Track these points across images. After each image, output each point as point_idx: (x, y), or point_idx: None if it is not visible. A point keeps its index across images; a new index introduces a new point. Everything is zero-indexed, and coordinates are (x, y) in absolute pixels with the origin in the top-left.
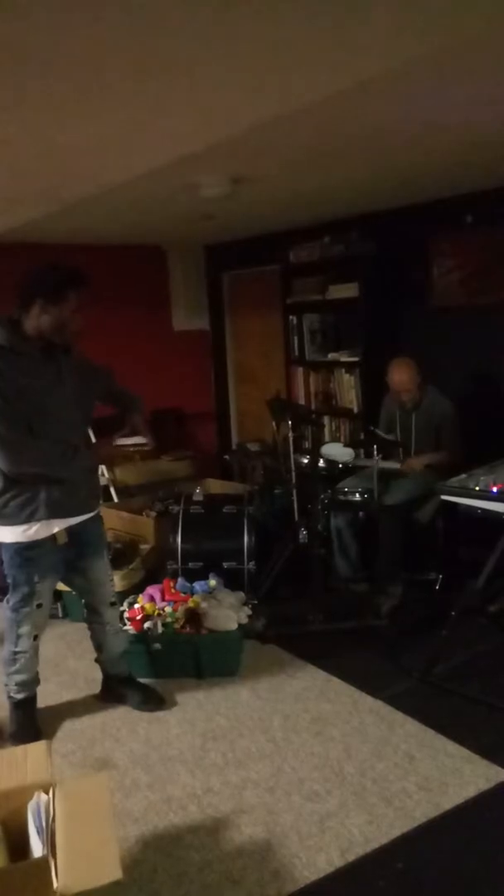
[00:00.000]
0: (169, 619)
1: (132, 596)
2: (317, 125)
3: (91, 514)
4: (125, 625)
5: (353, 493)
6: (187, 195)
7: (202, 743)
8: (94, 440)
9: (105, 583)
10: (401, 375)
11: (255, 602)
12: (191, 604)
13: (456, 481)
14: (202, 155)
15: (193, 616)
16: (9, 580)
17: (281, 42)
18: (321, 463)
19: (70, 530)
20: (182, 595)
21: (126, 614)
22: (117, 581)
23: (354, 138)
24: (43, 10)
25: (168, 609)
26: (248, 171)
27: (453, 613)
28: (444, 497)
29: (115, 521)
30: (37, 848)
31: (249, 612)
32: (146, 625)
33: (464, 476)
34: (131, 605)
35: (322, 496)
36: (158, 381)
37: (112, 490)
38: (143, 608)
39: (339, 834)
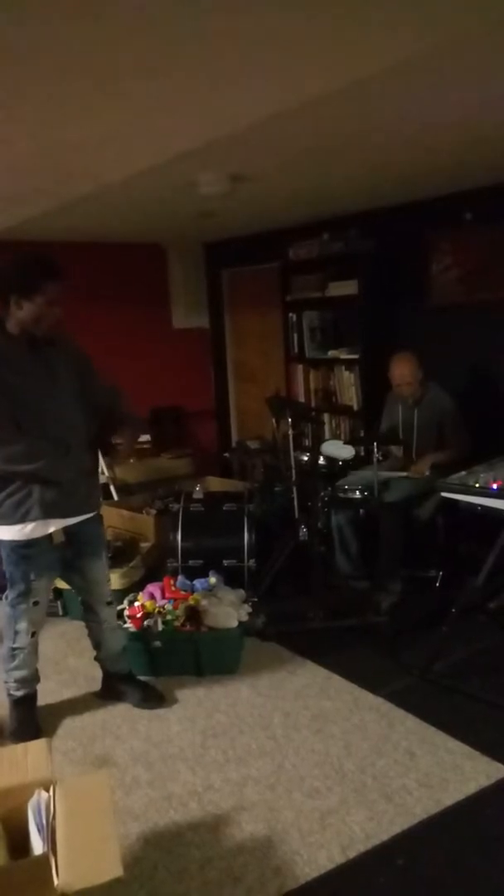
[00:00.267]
0: (169, 617)
1: (132, 594)
2: (316, 123)
3: (89, 515)
4: (125, 622)
5: (354, 491)
6: (186, 193)
7: (202, 740)
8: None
9: (102, 582)
10: (402, 369)
11: (256, 599)
12: (191, 601)
13: (456, 478)
14: (201, 153)
15: (194, 614)
16: (7, 577)
17: (280, 40)
18: (321, 460)
19: (67, 530)
20: (182, 593)
21: (126, 612)
22: (118, 579)
23: (353, 136)
24: (43, 9)
25: (168, 607)
26: (248, 168)
27: (453, 610)
28: (444, 494)
29: (115, 519)
30: (37, 845)
31: (249, 610)
32: (146, 622)
33: (464, 473)
34: (131, 602)
35: (322, 493)
36: (158, 379)
37: (112, 488)
38: (143, 606)
39: (339, 831)
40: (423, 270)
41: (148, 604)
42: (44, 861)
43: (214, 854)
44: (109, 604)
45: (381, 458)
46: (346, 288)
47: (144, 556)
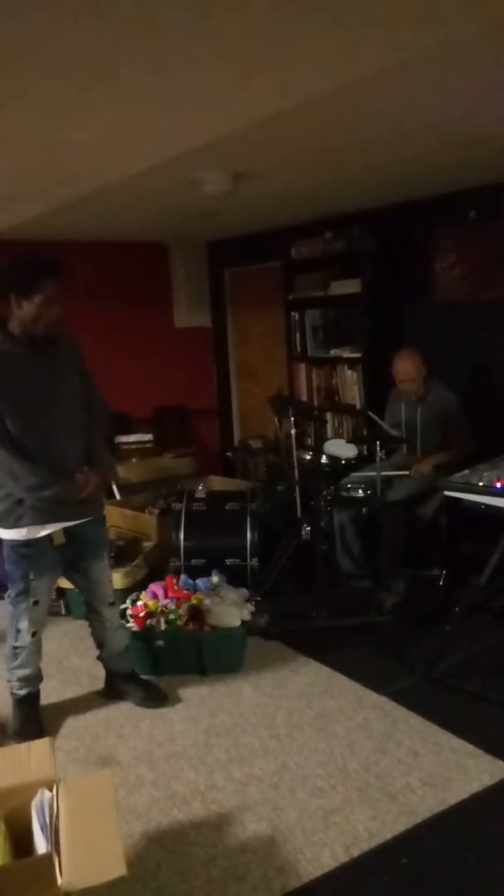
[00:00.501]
0: (172, 616)
1: (135, 593)
2: (317, 122)
3: (89, 519)
4: (128, 622)
5: (356, 490)
6: (189, 192)
7: (206, 739)
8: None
9: (104, 583)
10: (406, 365)
11: (258, 598)
12: (194, 601)
13: (459, 477)
14: (203, 151)
15: (196, 613)
16: (7, 575)
17: (281, 38)
18: (324, 459)
19: (68, 531)
20: (185, 592)
21: (129, 611)
22: (120, 578)
23: (355, 134)
24: (44, 7)
25: (171, 606)
26: (250, 167)
27: (457, 609)
28: (447, 493)
29: (117, 518)
30: (41, 845)
31: (252, 609)
32: (149, 622)
33: (467, 472)
34: (134, 602)
35: (325, 492)
36: (160, 378)
37: (115, 487)
38: (146, 605)
39: (343, 830)
40: (426, 269)
41: (151, 603)
42: (47, 860)
43: (218, 853)
44: (112, 604)
45: (383, 456)
46: (348, 286)
47: (147, 555)
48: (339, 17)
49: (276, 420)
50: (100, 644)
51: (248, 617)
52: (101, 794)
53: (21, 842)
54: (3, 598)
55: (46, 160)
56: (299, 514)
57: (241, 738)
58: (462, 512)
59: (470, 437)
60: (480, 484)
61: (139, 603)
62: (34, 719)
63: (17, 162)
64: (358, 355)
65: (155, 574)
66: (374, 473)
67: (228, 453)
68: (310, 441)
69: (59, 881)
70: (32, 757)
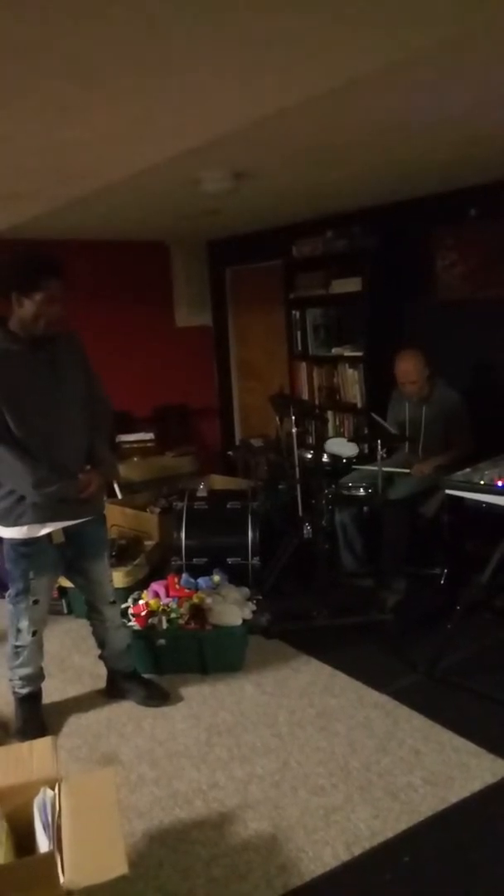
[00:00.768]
0: (173, 615)
1: (136, 592)
2: (318, 120)
3: (89, 518)
4: (129, 620)
5: (358, 488)
6: (190, 191)
7: (207, 738)
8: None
9: (104, 583)
10: (406, 366)
11: (260, 597)
12: (195, 599)
13: (461, 475)
14: (204, 150)
15: (198, 612)
16: (7, 574)
17: (281, 36)
18: (325, 458)
19: (68, 531)
20: (186, 591)
21: (131, 610)
22: (122, 577)
23: (356, 132)
24: (44, 7)
25: (172, 605)
26: (250, 166)
27: (458, 608)
28: (448, 491)
29: (119, 517)
30: (43, 843)
31: (254, 608)
32: (151, 621)
33: (468, 470)
34: (136, 601)
35: (326, 491)
36: (161, 377)
37: (116, 486)
38: (147, 604)
39: (345, 828)
40: (427, 267)
41: (152, 602)
42: (49, 858)
43: (220, 851)
44: (112, 603)
45: (384, 455)
46: (349, 285)
47: (148, 554)
48: (339, 16)
49: (277, 419)
50: (101, 643)
51: (249, 616)
52: (103, 793)
53: (23, 840)
54: (3, 598)
55: (47, 160)
56: (300, 513)
57: (243, 736)
58: (464, 510)
59: (471, 438)
60: (482, 482)
61: (141, 602)
62: (36, 718)
63: (17, 161)
64: (359, 354)
65: (156, 573)
66: (375, 468)
67: (230, 452)
68: (311, 440)
69: (61, 880)
70: (34, 756)
